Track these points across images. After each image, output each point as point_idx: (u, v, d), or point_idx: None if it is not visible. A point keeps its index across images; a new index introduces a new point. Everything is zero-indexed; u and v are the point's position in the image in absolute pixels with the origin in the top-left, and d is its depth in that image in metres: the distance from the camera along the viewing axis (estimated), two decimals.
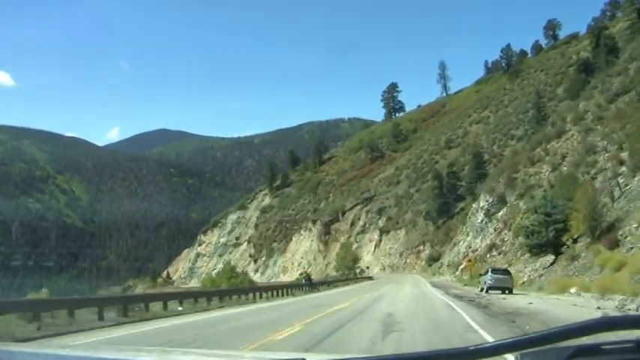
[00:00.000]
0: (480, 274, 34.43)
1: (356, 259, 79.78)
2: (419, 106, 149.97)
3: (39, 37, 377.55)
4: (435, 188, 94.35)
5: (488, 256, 47.05)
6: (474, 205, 63.98)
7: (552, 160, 50.82)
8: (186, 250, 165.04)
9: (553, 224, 34.60)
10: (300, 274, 46.68)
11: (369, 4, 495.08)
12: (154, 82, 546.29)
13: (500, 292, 29.66)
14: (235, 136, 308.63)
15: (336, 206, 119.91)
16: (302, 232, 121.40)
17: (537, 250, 35.40)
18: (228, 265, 61.95)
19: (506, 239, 46.54)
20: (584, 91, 60.40)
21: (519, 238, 45.74)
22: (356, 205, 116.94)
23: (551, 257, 36.28)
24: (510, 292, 29.38)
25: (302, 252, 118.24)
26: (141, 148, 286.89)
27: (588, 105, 55.17)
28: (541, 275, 34.59)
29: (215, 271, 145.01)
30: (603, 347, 1.43)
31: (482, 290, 31.41)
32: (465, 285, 41.74)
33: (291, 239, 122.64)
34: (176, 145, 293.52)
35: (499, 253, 45.89)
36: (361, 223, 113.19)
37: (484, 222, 51.68)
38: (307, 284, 42.05)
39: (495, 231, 48.86)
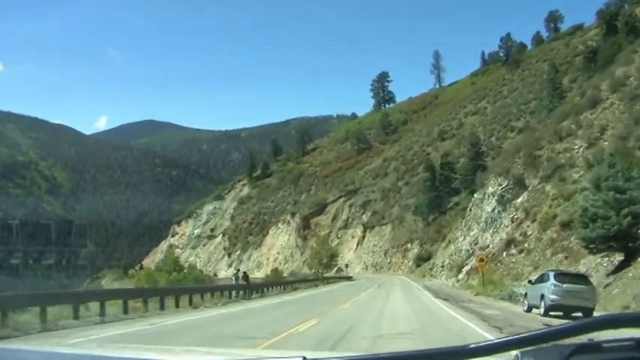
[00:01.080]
0: (532, 282, 20.06)
1: (333, 256, 65.76)
2: (410, 98, 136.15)
3: (30, 24, 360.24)
4: (426, 180, 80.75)
5: (504, 254, 33.42)
6: (475, 196, 50.31)
7: (587, 133, 37.39)
8: (163, 242, 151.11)
9: (628, 205, 21.09)
10: (236, 271, 30.89)
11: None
12: (143, 72, 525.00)
13: (562, 313, 16.11)
14: (223, 129, 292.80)
15: (317, 199, 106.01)
16: (279, 225, 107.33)
17: (602, 245, 21.74)
18: (171, 256, 48.00)
19: (529, 233, 32.97)
20: (618, 56, 47.05)
21: (548, 231, 32.27)
22: (339, 198, 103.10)
23: (616, 257, 22.84)
24: (589, 315, 15.63)
25: (278, 247, 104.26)
26: (127, 138, 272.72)
27: (629, 70, 41.91)
28: (606, 285, 21.07)
29: (187, 264, 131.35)
30: (603, 345, 1.37)
31: (529, 310, 17.83)
32: (477, 294, 28.13)
33: (268, 233, 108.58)
34: (162, 136, 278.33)
35: (520, 251, 32.32)
36: (343, 217, 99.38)
37: (496, 211, 38.06)
38: (237, 286, 27.65)
39: (513, 222, 35.25)
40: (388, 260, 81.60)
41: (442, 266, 52.24)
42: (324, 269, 62.40)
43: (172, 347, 3.85)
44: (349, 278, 61.01)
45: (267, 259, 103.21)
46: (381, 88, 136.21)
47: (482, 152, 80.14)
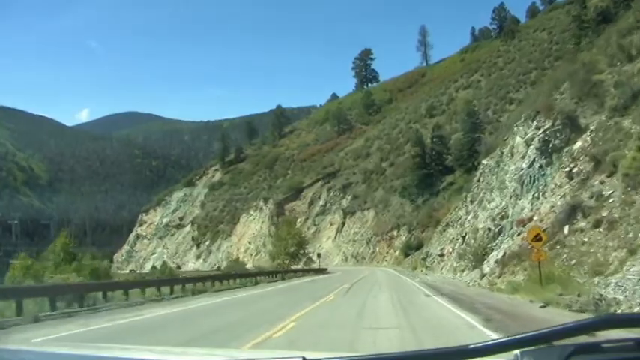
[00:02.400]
0: None
1: (301, 243, 50.67)
2: (395, 77, 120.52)
3: (12, 18, 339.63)
4: (415, 156, 66.18)
5: (566, 231, 18.57)
6: (485, 162, 35.62)
7: None
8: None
9: None
10: None
11: None
12: (126, 65, 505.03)
13: None
14: (205, 120, 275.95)
15: (292, 183, 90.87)
16: (251, 212, 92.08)
17: None
18: (60, 242, 32.54)
19: (606, 193, 18.27)
20: None
21: None
22: (316, 182, 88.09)
23: None
24: None
25: (250, 235, 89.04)
26: (109, 130, 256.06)
27: None
28: None
29: (154, 255, 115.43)
30: (603, 345, 1.32)
31: None
32: (546, 304, 13.23)
33: (239, 220, 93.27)
34: (144, 127, 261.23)
35: (595, 225, 17.55)
36: (321, 202, 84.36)
37: (537, 166, 23.21)
38: None
39: (572, 179, 20.53)
40: (371, 250, 66.94)
41: (441, 255, 37.43)
42: (291, 259, 47.41)
43: (171, 348, 3.67)
44: (321, 271, 46.14)
45: (238, 249, 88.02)
46: (363, 66, 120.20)
47: (479, 124, 66.01)
